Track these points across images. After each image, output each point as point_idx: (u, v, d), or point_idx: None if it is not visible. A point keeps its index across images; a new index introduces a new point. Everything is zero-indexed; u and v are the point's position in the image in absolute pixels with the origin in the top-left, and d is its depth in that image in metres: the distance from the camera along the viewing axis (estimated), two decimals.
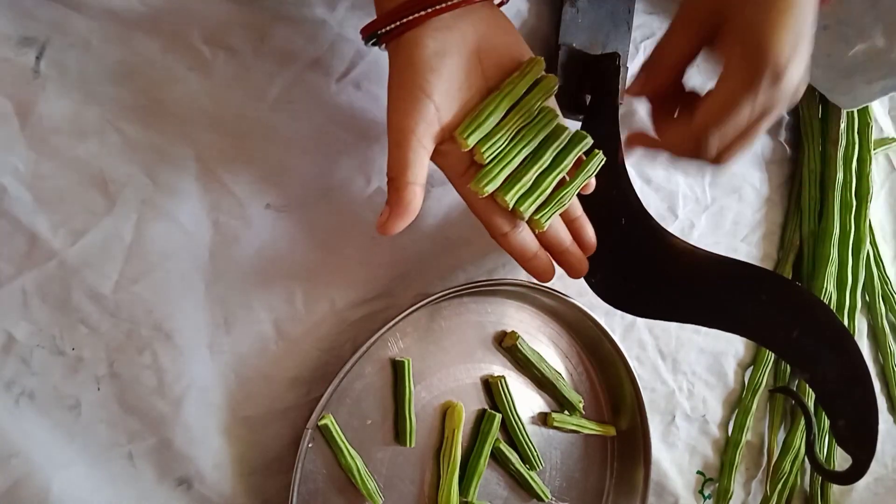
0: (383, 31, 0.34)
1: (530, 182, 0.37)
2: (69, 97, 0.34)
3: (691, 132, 0.34)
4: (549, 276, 0.40)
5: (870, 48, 0.53)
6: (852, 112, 0.62)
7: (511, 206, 0.36)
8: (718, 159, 0.36)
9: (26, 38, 0.33)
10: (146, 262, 0.36)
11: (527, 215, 0.37)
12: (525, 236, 0.38)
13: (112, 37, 0.35)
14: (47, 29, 0.34)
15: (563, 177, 0.39)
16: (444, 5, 0.33)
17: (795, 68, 0.32)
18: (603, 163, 0.40)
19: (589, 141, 0.39)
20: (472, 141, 0.35)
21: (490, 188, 0.36)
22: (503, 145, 0.36)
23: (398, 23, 0.33)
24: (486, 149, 0.35)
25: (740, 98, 0.32)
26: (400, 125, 0.34)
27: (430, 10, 0.32)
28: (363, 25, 0.35)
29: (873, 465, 0.36)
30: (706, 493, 0.59)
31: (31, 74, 0.34)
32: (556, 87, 0.37)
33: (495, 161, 0.36)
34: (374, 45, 0.35)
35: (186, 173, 0.37)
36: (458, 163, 0.37)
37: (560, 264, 0.41)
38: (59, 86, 0.34)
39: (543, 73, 0.37)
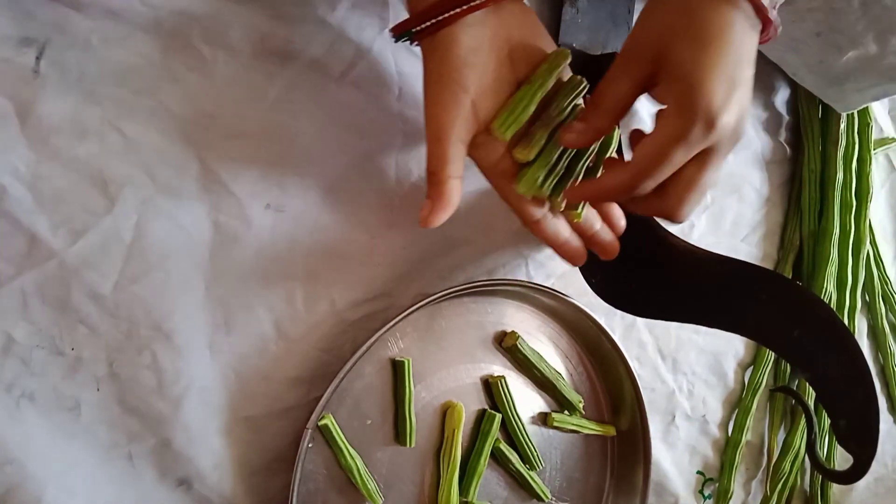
0: (418, 28, 0.34)
1: (562, 171, 0.37)
2: (69, 97, 0.34)
3: (626, 180, 0.34)
4: (581, 259, 0.40)
5: (861, 55, 0.53)
6: (852, 112, 0.62)
7: (548, 195, 0.37)
8: (673, 215, 0.36)
9: (26, 38, 0.33)
10: (146, 262, 0.36)
11: (563, 205, 0.38)
12: (557, 222, 0.39)
13: (112, 37, 0.35)
14: (47, 29, 0.34)
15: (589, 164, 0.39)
16: (479, 2, 0.33)
17: (729, 115, 0.32)
18: (620, 138, 0.40)
19: (616, 131, 0.39)
20: (508, 134, 0.36)
21: (531, 191, 0.36)
22: (543, 144, 0.37)
23: (434, 20, 0.33)
24: (530, 148, 0.36)
25: (672, 146, 0.32)
26: (439, 121, 0.34)
27: (465, 8, 0.33)
28: (392, 27, 0.36)
29: (873, 465, 0.36)
30: (706, 493, 0.59)
31: (31, 74, 0.34)
32: (586, 86, 0.38)
33: (535, 161, 0.37)
34: (405, 42, 0.36)
35: (186, 173, 0.37)
36: (491, 154, 0.37)
37: (591, 246, 0.41)
38: (59, 86, 0.34)
39: (571, 73, 0.38)
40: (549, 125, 0.37)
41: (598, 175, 0.39)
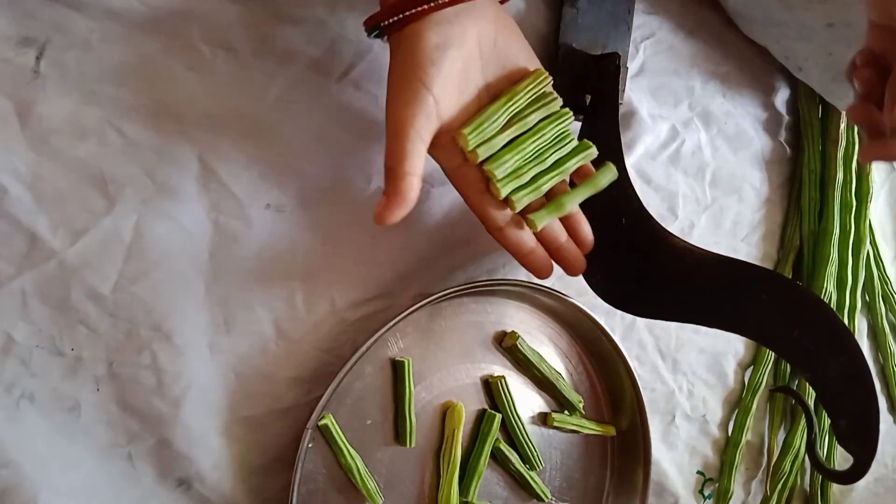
0: (386, 23, 0.34)
1: (528, 178, 0.38)
2: (69, 97, 0.34)
3: None
4: (546, 272, 0.40)
5: None
6: None
7: (502, 195, 0.37)
8: None
9: (26, 38, 0.33)
10: (146, 262, 0.36)
11: (519, 206, 0.38)
12: (522, 232, 0.39)
13: (112, 37, 0.35)
14: (47, 29, 0.34)
15: (564, 179, 0.39)
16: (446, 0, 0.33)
17: None
18: (614, 179, 0.40)
19: (594, 152, 0.39)
20: (472, 145, 0.36)
21: (499, 181, 0.36)
22: (515, 165, 0.37)
23: (401, 15, 0.33)
24: (497, 167, 0.37)
25: None
26: (398, 116, 0.34)
27: (432, 4, 0.33)
28: (364, 19, 0.35)
29: (873, 465, 0.36)
30: (706, 493, 0.59)
31: (31, 74, 0.34)
32: (571, 119, 0.39)
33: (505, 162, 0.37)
34: (376, 37, 0.36)
35: (186, 173, 0.37)
36: (454, 156, 0.37)
37: (556, 261, 0.41)
38: (59, 86, 0.34)
39: (559, 106, 0.38)
40: (528, 150, 0.37)
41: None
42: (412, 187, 0.34)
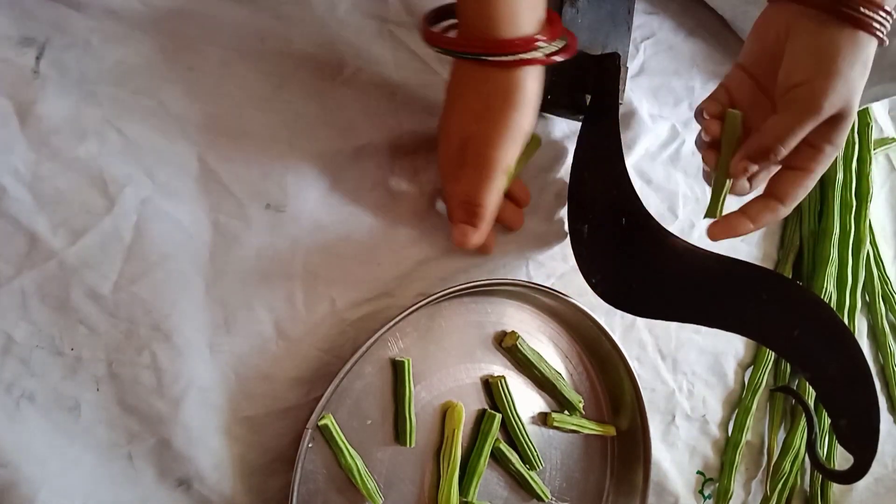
0: (493, 58, 0.35)
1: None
2: (69, 97, 0.34)
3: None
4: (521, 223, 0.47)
5: None
6: None
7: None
8: (783, 199, 0.41)
9: (26, 38, 0.33)
10: (146, 262, 0.36)
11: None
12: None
13: (112, 37, 0.35)
14: (47, 29, 0.34)
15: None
16: (560, 56, 0.37)
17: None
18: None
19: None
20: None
21: None
22: None
23: (518, 57, 0.35)
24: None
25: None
26: (498, 156, 0.38)
27: (550, 55, 0.36)
28: (456, 40, 0.37)
29: (873, 465, 0.36)
30: (706, 493, 0.59)
31: (31, 74, 0.34)
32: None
33: None
34: (460, 57, 0.37)
35: (186, 173, 0.37)
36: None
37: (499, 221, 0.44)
38: (59, 86, 0.34)
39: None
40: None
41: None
42: (493, 217, 0.41)
